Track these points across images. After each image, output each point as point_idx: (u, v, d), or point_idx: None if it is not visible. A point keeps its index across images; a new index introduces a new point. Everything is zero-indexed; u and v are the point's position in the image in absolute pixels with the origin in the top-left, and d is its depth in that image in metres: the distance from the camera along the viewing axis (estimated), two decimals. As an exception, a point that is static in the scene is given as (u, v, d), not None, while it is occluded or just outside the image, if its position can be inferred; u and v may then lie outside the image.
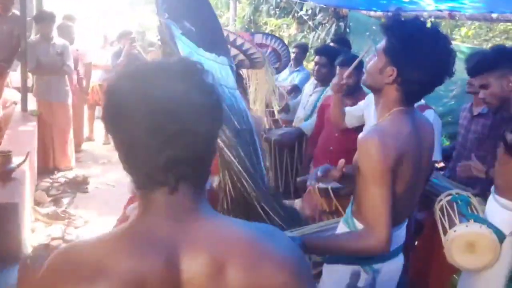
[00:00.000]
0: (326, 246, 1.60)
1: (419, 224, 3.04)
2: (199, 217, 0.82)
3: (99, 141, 6.51)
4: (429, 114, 2.55)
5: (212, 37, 2.06)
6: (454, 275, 2.77)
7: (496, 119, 2.81)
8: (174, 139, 0.77)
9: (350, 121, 2.95)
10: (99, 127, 6.37)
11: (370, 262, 1.64)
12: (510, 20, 3.70)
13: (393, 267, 1.73)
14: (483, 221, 1.97)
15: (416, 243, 3.15)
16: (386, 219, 1.47)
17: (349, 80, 2.99)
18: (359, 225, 1.63)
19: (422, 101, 2.84)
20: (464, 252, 1.91)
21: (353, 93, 3.08)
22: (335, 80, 2.82)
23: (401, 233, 1.75)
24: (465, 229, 1.88)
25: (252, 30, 7.92)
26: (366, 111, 2.72)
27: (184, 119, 0.77)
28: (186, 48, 1.80)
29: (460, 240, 1.88)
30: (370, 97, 2.52)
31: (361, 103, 2.89)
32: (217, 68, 1.94)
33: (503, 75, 2.14)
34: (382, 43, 1.57)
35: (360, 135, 1.54)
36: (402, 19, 1.57)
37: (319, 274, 1.72)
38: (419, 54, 1.47)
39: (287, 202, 3.93)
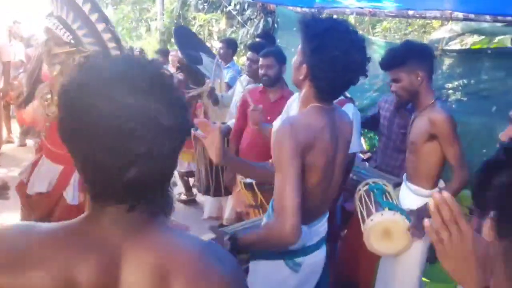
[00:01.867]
0: (247, 240, 1.58)
1: (347, 213, 3.16)
2: (150, 231, 0.81)
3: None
4: (349, 108, 2.66)
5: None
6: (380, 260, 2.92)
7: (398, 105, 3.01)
8: (139, 161, 0.73)
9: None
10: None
11: (292, 256, 1.67)
12: (424, 16, 3.93)
13: (316, 260, 1.77)
14: (397, 209, 2.09)
15: (344, 232, 3.28)
16: (292, 207, 1.44)
17: (269, 71, 3.11)
18: None
19: (343, 96, 2.96)
20: (382, 239, 2.02)
21: (274, 84, 3.16)
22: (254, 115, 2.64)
23: (322, 227, 1.78)
24: (380, 217, 1.98)
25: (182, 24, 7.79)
26: (289, 109, 2.78)
27: (152, 141, 0.73)
28: None
29: (377, 228, 1.98)
30: (295, 95, 2.58)
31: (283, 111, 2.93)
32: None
33: (412, 70, 2.25)
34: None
35: (274, 125, 1.58)
36: (317, 17, 1.59)
37: (247, 271, 1.74)
38: (328, 53, 1.49)
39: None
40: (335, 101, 2.80)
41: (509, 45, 4.65)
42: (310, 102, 1.61)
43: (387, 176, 2.90)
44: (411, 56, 2.27)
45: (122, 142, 0.71)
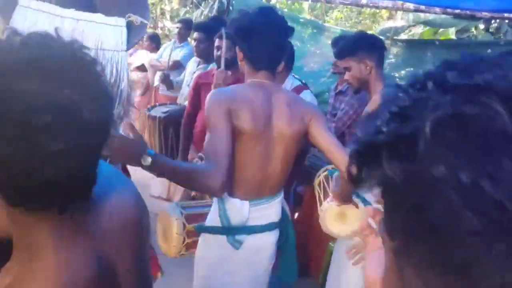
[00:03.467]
0: (172, 171, 1.55)
1: (299, 196, 3.23)
2: (96, 213, 0.77)
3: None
4: (306, 95, 2.73)
5: None
6: (331, 243, 3.02)
7: (352, 97, 3.12)
8: (55, 160, 0.62)
9: None
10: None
11: (233, 233, 1.75)
12: (377, 6, 4.02)
13: (262, 242, 1.81)
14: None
15: (296, 215, 3.35)
16: (216, 160, 1.52)
17: (227, 53, 3.09)
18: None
19: (299, 82, 3.01)
20: (336, 221, 2.09)
21: (229, 67, 3.14)
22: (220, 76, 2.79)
23: (270, 209, 1.81)
24: None
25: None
26: None
27: (70, 137, 0.63)
28: (23, 15, 1.59)
29: (332, 211, 2.05)
30: None
31: None
32: (93, 28, 1.78)
33: (362, 59, 2.34)
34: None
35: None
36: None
37: (195, 243, 1.83)
38: (245, 26, 1.70)
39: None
40: (291, 88, 2.85)
41: (452, 36, 4.89)
42: (249, 79, 1.75)
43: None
44: (361, 46, 2.37)
45: (35, 138, 0.60)
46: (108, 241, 0.76)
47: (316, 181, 2.22)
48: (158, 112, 3.53)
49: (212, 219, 1.78)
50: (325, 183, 2.15)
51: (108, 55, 1.73)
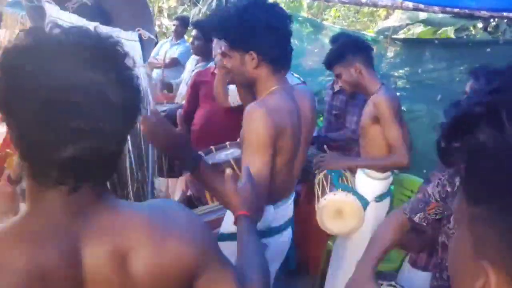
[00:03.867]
0: (209, 175, 1.51)
1: (297, 194, 3.23)
2: (99, 209, 0.76)
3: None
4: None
5: (121, 10, 1.84)
6: (329, 242, 3.02)
7: (350, 96, 3.13)
8: (78, 138, 0.66)
9: (233, 100, 2.98)
10: None
11: (260, 237, 1.69)
12: (376, 4, 4.02)
13: (282, 241, 1.79)
14: (349, 190, 2.17)
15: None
16: (264, 194, 1.46)
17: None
18: None
19: (299, 80, 3.00)
20: (333, 218, 2.09)
21: None
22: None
23: (288, 207, 1.80)
24: (333, 197, 2.05)
25: None
26: None
27: (93, 116, 0.66)
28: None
29: (329, 207, 2.05)
30: None
31: None
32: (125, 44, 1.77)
33: (349, 63, 2.37)
34: (218, 45, 1.59)
35: (247, 107, 1.54)
36: (214, 17, 1.62)
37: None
38: (261, 24, 1.51)
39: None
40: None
41: (452, 36, 4.89)
42: (269, 87, 1.59)
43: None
44: (346, 51, 2.41)
45: (62, 115, 0.65)
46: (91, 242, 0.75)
47: (316, 180, 2.22)
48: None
49: (233, 225, 1.69)
50: (324, 182, 2.15)
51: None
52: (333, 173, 2.13)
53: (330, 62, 2.49)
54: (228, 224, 1.70)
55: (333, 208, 2.07)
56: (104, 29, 1.71)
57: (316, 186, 2.20)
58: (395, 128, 2.24)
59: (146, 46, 1.81)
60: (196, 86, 3.18)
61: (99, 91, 0.66)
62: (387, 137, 2.29)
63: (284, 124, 1.52)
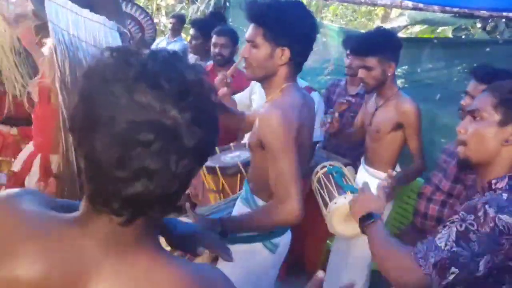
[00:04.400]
0: (243, 226, 1.59)
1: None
2: (138, 252, 0.71)
3: None
4: (315, 96, 2.64)
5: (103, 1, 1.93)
6: (328, 241, 3.01)
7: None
8: (147, 177, 0.64)
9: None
10: None
11: (270, 237, 1.69)
12: (375, 3, 4.01)
13: (288, 239, 1.81)
14: (357, 191, 2.15)
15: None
16: (296, 190, 1.49)
17: (223, 50, 3.08)
18: (261, 202, 1.67)
19: (306, 83, 2.98)
20: (344, 222, 2.07)
21: (225, 64, 3.11)
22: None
23: None
24: (343, 200, 2.01)
25: None
26: (254, 95, 2.79)
27: (163, 157, 0.63)
28: (54, 9, 1.63)
29: (340, 211, 2.02)
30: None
31: (246, 90, 2.92)
32: (104, 31, 1.80)
33: (386, 60, 2.26)
34: (252, 32, 1.57)
35: (262, 112, 1.55)
36: (264, 4, 1.57)
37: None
38: (302, 28, 1.56)
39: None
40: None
41: (450, 35, 4.90)
42: (284, 83, 1.60)
43: (333, 156, 2.98)
44: (387, 46, 2.28)
45: (135, 153, 0.62)
46: None
47: (315, 178, 2.20)
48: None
49: None
50: (326, 181, 2.13)
51: None
52: (334, 172, 2.10)
53: (366, 50, 2.30)
54: None
55: (344, 211, 2.05)
56: (95, 17, 1.74)
57: (317, 185, 2.18)
58: (420, 138, 2.26)
59: (123, 38, 1.94)
60: None
61: (173, 131, 0.63)
62: (410, 145, 2.29)
63: (301, 120, 1.54)
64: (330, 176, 2.11)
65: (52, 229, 0.70)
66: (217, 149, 2.26)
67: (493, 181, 1.25)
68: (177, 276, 0.70)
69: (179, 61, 0.67)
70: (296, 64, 1.61)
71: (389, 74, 2.28)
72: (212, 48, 3.19)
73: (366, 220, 1.43)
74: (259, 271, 1.72)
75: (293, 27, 1.54)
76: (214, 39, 3.16)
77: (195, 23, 3.76)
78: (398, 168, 2.55)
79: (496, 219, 1.10)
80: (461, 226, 1.15)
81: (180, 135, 0.63)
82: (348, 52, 3.19)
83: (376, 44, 2.27)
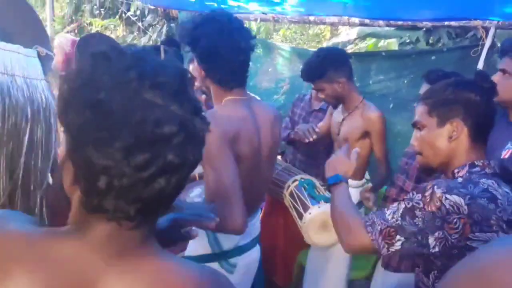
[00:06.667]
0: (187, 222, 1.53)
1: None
2: (143, 255, 0.70)
3: None
4: None
5: (20, 29, 1.89)
6: (300, 254, 3.01)
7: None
8: (169, 171, 0.64)
9: None
10: None
11: (226, 257, 1.65)
12: (324, 22, 4.16)
13: (250, 260, 1.76)
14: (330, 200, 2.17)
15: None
16: (236, 196, 1.44)
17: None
18: None
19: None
20: (319, 231, 2.09)
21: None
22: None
23: (254, 225, 1.78)
24: (318, 210, 2.04)
25: (76, 31, 7.36)
26: None
27: (185, 150, 0.65)
28: None
29: (315, 221, 2.04)
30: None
31: None
32: (17, 58, 1.78)
33: (332, 79, 2.38)
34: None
35: None
36: (190, 22, 1.59)
37: None
38: (206, 45, 1.53)
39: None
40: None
41: (395, 47, 5.14)
42: (223, 98, 1.61)
43: (298, 171, 3.00)
44: (328, 66, 2.39)
45: (159, 148, 0.62)
46: None
47: (287, 192, 2.22)
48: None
49: (199, 246, 1.64)
50: (298, 193, 2.14)
51: (34, 83, 1.72)
52: (306, 185, 2.13)
53: (312, 77, 2.44)
54: (197, 247, 1.65)
55: (319, 221, 2.06)
56: (7, 47, 1.72)
57: (290, 199, 2.19)
58: (384, 144, 2.35)
59: (45, 61, 1.93)
60: None
61: (189, 124, 0.65)
62: (376, 151, 2.37)
63: (237, 130, 1.51)
64: (302, 188, 2.14)
65: (47, 245, 0.67)
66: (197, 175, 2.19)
67: (455, 171, 1.33)
68: (187, 276, 0.70)
69: (157, 55, 0.69)
70: (215, 79, 1.60)
71: (340, 90, 2.37)
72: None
73: (332, 181, 1.49)
74: None
75: (194, 46, 1.56)
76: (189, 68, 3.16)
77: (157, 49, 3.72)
78: (367, 176, 2.61)
79: (443, 199, 1.17)
80: (408, 203, 1.24)
81: (194, 125, 0.66)
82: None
83: (316, 69, 2.40)
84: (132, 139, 0.61)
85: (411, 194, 1.27)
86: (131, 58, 0.65)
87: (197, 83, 1.85)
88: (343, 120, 2.50)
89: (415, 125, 1.42)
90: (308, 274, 2.58)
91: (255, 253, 1.79)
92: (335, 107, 2.56)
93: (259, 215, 1.82)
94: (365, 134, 2.39)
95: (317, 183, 2.31)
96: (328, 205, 2.11)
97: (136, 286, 0.67)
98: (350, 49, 5.01)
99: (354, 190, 2.43)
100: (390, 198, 2.34)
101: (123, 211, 0.64)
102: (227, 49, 1.52)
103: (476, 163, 1.29)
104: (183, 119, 0.64)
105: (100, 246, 0.67)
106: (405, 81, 3.74)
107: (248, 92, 2.94)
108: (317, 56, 2.52)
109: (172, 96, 0.64)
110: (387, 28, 4.12)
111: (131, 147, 0.61)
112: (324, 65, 2.40)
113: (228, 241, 1.66)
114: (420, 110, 1.40)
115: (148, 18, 6.14)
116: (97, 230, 0.67)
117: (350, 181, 2.43)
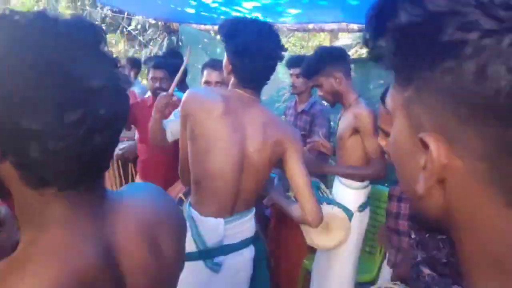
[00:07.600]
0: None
1: (267, 219, 3.20)
2: (109, 202, 0.73)
3: None
4: None
5: None
6: (305, 260, 2.98)
7: (313, 115, 3.19)
8: (104, 126, 0.63)
9: (170, 137, 2.44)
10: None
11: (211, 256, 1.65)
12: (323, 29, 4.19)
13: (240, 260, 1.74)
14: (334, 203, 2.17)
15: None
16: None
17: (162, 84, 3.10)
18: None
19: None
20: (321, 233, 2.07)
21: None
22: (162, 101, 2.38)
23: (244, 225, 1.75)
24: None
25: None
26: None
27: (116, 103, 0.65)
28: None
29: None
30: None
31: (175, 112, 2.53)
32: None
33: (329, 74, 2.39)
34: None
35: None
36: (229, 19, 1.72)
37: None
38: (240, 43, 1.62)
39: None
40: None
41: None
42: (231, 87, 1.73)
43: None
44: (325, 61, 2.42)
45: (88, 103, 0.60)
46: (120, 234, 0.73)
47: (291, 194, 2.21)
48: (115, 150, 3.47)
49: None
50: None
51: None
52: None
53: (309, 72, 2.48)
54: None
55: (322, 223, 2.05)
56: None
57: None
58: (375, 141, 2.31)
59: None
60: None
61: (115, 78, 0.66)
62: (366, 148, 2.35)
63: (196, 107, 1.64)
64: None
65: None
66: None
67: None
68: (146, 200, 0.83)
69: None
70: (238, 76, 1.69)
71: (337, 86, 2.38)
72: (150, 82, 3.20)
73: None
74: None
75: (229, 41, 1.67)
76: (151, 73, 3.18)
77: (159, 65, 3.70)
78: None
79: None
80: None
81: (118, 78, 0.67)
82: (291, 72, 3.35)
83: (316, 64, 2.44)
84: (62, 97, 0.58)
85: None
86: (48, 20, 0.62)
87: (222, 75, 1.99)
88: (339, 119, 2.52)
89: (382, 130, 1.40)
90: (315, 279, 2.56)
91: (247, 253, 1.76)
92: (332, 105, 2.57)
93: (251, 216, 1.78)
94: (355, 131, 2.37)
95: (322, 185, 2.31)
96: (330, 207, 2.11)
97: (128, 226, 0.74)
98: (350, 55, 5.03)
99: (355, 191, 2.41)
100: (395, 196, 2.32)
101: (66, 178, 0.63)
102: (259, 51, 1.60)
103: None
104: (109, 72, 0.64)
105: (100, 202, 0.72)
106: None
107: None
108: (316, 53, 2.56)
109: (95, 50, 0.64)
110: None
111: (63, 105, 0.58)
112: (322, 59, 2.44)
113: (212, 238, 1.65)
114: (380, 114, 1.38)
115: (149, 32, 6.21)
116: (87, 195, 0.69)
117: (351, 183, 2.42)
